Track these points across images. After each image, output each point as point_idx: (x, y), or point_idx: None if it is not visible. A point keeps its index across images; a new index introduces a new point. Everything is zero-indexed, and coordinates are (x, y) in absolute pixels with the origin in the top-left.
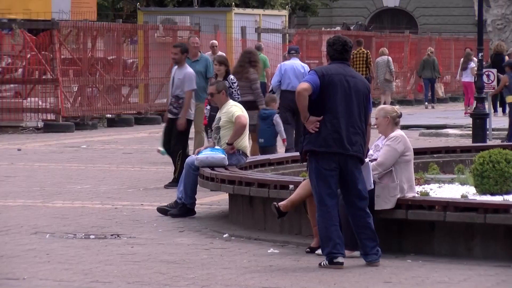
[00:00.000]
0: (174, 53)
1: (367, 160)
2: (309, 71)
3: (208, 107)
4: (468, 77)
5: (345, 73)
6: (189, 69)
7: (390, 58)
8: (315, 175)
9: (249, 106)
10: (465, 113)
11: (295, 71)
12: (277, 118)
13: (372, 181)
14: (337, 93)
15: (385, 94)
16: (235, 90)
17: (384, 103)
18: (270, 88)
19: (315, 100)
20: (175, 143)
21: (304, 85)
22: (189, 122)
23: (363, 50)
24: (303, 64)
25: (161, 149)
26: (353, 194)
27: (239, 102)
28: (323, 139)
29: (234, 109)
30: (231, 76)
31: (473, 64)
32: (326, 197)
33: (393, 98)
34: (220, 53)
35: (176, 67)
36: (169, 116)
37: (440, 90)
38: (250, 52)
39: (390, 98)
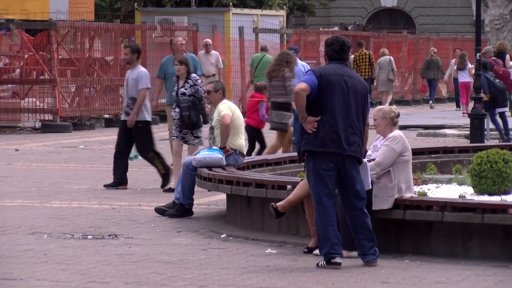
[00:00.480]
0: (125, 53)
1: (365, 160)
2: (307, 71)
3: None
4: (466, 78)
5: (343, 73)
6: (141, 69)
7: (392, 58)
8: (313, 175)
9: (281, 107)
10: (464, 113)
11: (296, 71)
12: None
13: (370, 181)
14: (335, 93)
15: (387, 94)
16: (200, 87)
17: (381, 103)
18: None
19: (313, 100)
20: (141, 149)
21: (302, 85)
22: (148, 123)
23: (366, 51)
24: (303, 63)
25: (131, 155)
26: (350, 194)
27: (272, 103)
28: (321, 139)
29: (222, 107)
30: (193, 75)
31: (470, 65)
32: (324, 197)
33: (391, 98)
34: (213, 52)
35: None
36: (124, 118)
37: (443, 90)
38: (287, 53)
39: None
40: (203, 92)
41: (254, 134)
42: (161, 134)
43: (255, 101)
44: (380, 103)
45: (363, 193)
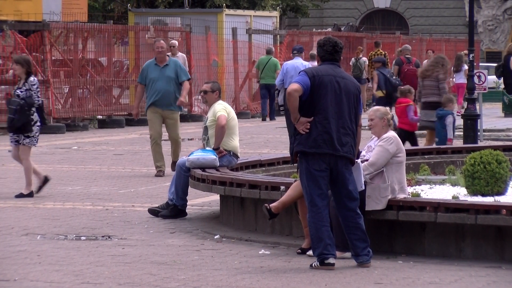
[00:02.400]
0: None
1: (358, 161)
2: (299, 72)
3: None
4: (461, 79)
5: (336, 74)
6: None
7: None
8: (306, 176)
9: (432, 106)
10: (458, 112)
11: (296, 70)
12: (448, 118)
13: (363, 182)
14: (327, 94)
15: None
16: (35, 93)
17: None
18: (275, 88)
19: (305, 101)
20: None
21: (294, 86)
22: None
23: (381, 51)
24: (305, 63)
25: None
26: (343, 195)
27: (422, 103)
28: (314, 140)
29: (218, 107)
30: (32, 78)
31: (466, 66)
32: (316, 198)
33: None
34: (180, 54)
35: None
36: None
37: None
38: (442, 57)
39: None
40: (37, 99)
41: (408, 137)
42: None
43: (403, 107)
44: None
45: (356, 194)
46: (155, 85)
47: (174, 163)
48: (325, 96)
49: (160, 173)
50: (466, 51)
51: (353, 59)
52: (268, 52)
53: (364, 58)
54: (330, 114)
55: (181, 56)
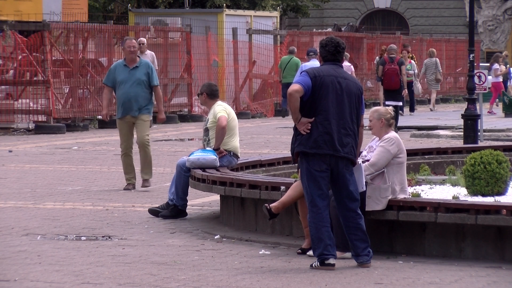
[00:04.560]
0: None
1: (359, 161)
2: (301, 73)
3: None
4: (495, 78)
5: (337, 74)
6: None
7: (438, 60)
8: (306, 177)
9: None
10: (488, 112)
11: None
12: None
13: (364, 183)
14: (328, 94)
15: (432, 92)
16: None
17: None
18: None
19: (307, 102)
20: None
21: (296, 86)
22: None
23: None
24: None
25: None
26: (344, 195)
27: None
28: (314, 141)
29: (218, 109)
30: None
31: (497, 66)
32: (317, 199)
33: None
34: (148, 52)
35: None
36: None
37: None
38: None
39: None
40: None
41: None
42: (154, 135)
43: None
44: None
45: (357, 195)
46: (123, 89)
47: (145, 181)
48: (326, 96)
49: (129, 186)
50: (506, 52)
51: (377, 58)
52: (290, 52)
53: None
54: (331, 114)
55: (149, 54)
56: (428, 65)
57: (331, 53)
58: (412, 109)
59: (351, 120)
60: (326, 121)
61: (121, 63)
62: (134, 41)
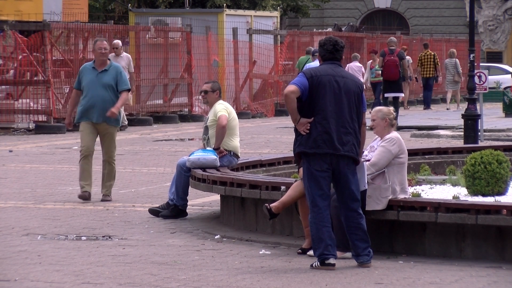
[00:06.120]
0: None
1: (362, 160)
2: (298, 73)
3: None
4: None
5: (335, 73)
6: None
7: (457, 61)
8: (307, 177)
9: None
10: None
11: None
12: None
13: (366, 182)
14: (326, 93)
15: (451, 92)
16: None
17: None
18: None
19: (305, 102)
20: None
21: (291, 87)
22: None
23: (430, 52)
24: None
25: None
26: (345, 195)
27: None
28: (314, 140)
29: (219, 107)
30: None
31: None
32: (318, 199)
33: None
34: (124, 54)
35: None
36: None
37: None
38: None
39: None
40: None
41: None
42: (154, 135)
43: None
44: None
45: (358, 195)
46: (89, 92)
47: (104, 196)
48: (323, 96)
49: (85, 194)
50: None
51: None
52: (308, 52)
53: (408, 57)
54: (329, 114)
55: (125, 57)
56: (447, 66)
57: (330, 51)
58: (427, 106)
59: (351, 118)
60: (325, 120)
61: (90, 65)
62: (105, 42)
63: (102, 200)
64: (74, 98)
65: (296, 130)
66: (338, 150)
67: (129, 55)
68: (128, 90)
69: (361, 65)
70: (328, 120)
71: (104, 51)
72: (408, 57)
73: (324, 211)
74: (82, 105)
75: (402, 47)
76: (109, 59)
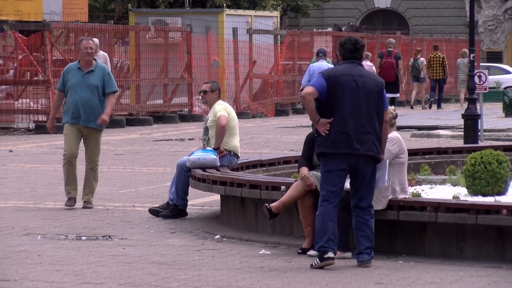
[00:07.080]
0: None
1: (384, 157)
2: (318, 74)
3: None
4: None
5: (353, 73)
6: None
7: None
8: (323, 173)
9: None
10: None
11: None
12: None
13: (386, 179)
14: (344, 93)
15: (461, 92)
16: None
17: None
18: (301, 87)
19: (324, 102)
20: None
21: (309, 89)
22: None
23: (439, 54)
24: (330, 65)
25: None
26: (360, 192)
27: None
28: (332, 141)
29: (218, 107)
30: None
31: None
32: (329, 195)
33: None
34: (101, 53)
35: None
36: None
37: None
38: None
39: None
40: None
41: None
42: (154, 135)
43: None
44: (458, 100)
45: (371, 197)
46: (73, 94)
47: (85, 203)
48: (341, 96)
49: (71, 202)
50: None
51: (411, 59)
52: (318, 53)
53: (422, 59)
54: (347, 113)
55: (102, 55)
56: (460, 65)
57: (350, 50)
58: (439, 106)
59: (370, 117)
60: (343, 120)
61: (75, 65)
62: (91, 41)
63: (83, 208)
64: (57, 101)
65: (316, 131)
66: (356, 150)
67: (105, 54)
68: (115, 92)
69: (371, 64)
70: (346, 119)
71: (90, 51)
72: (422, 59)
73: (333, 207)
74: (67, 106)
75: (416, 49)
76: (95, 59)
